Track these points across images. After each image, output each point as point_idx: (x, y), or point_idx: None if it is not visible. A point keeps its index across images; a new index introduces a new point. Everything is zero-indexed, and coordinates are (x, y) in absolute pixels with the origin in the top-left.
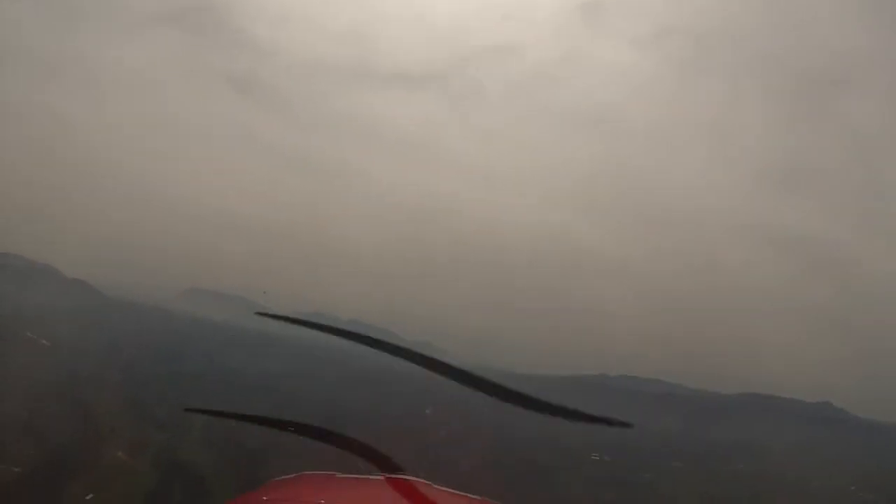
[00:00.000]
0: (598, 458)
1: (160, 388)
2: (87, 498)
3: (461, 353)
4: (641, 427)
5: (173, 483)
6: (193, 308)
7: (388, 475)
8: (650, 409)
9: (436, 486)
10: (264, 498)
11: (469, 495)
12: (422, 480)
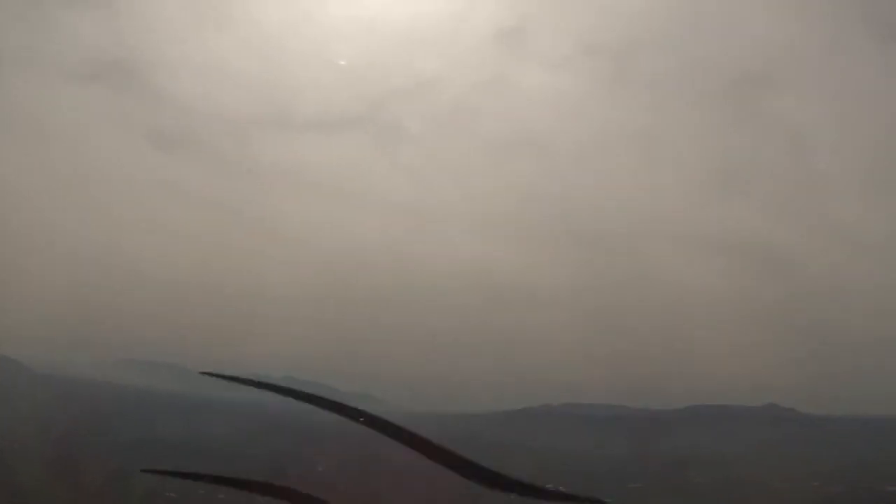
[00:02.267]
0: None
1: (93, 459)
2: None
3: (403, 400)
4: (592, 453)
5: None
6: (128, 377)
7: None
8: (598, 433)
9: None
10: None
11: None
12: None
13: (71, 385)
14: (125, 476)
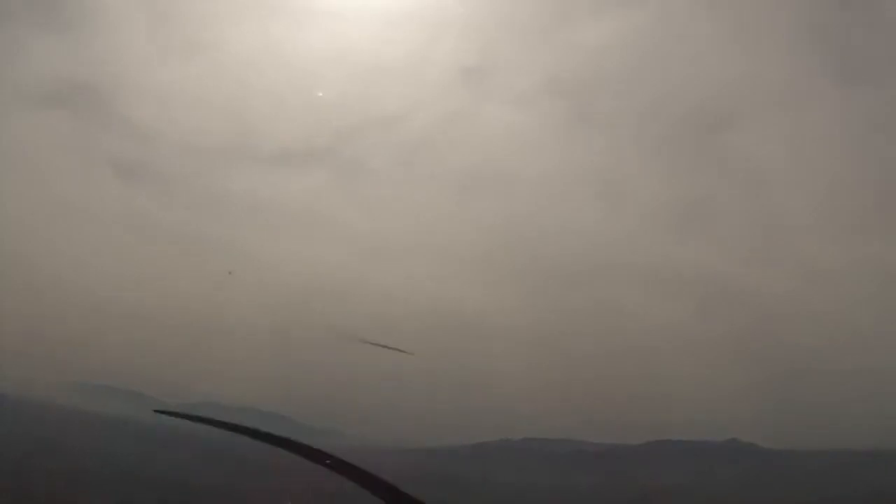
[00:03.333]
0: None
1: (44, 482)
2: None
3: (363, 434)
4: (553, 488)
5: None
6: (83, 403)
7: None
8: (559, 469)
9: None
10: None
11: None
12: None
13: (26, 407)
14: (74, 501)
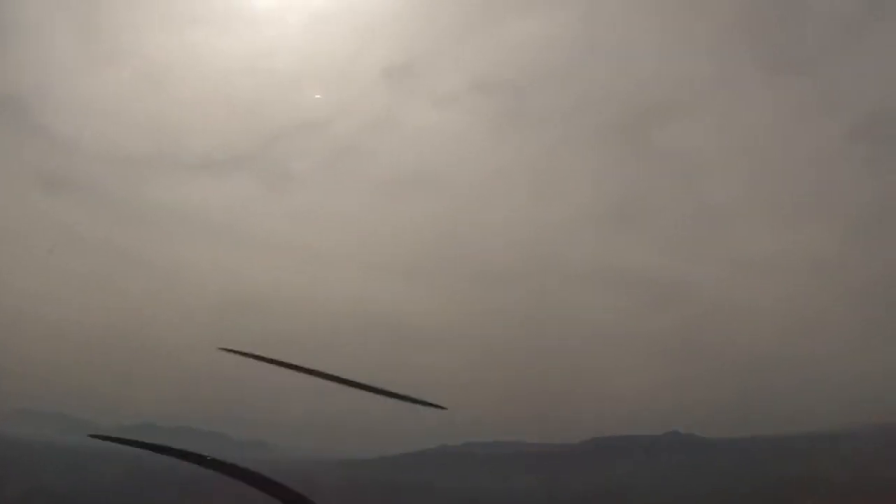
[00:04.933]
0: None
1: None
2: None
3: (299, 446)
4: (496, 492)
5: None
6: (13, 427)
7: None
8: (501, 472)
9: None
10: None
11: None
12: None
13: None
14: None
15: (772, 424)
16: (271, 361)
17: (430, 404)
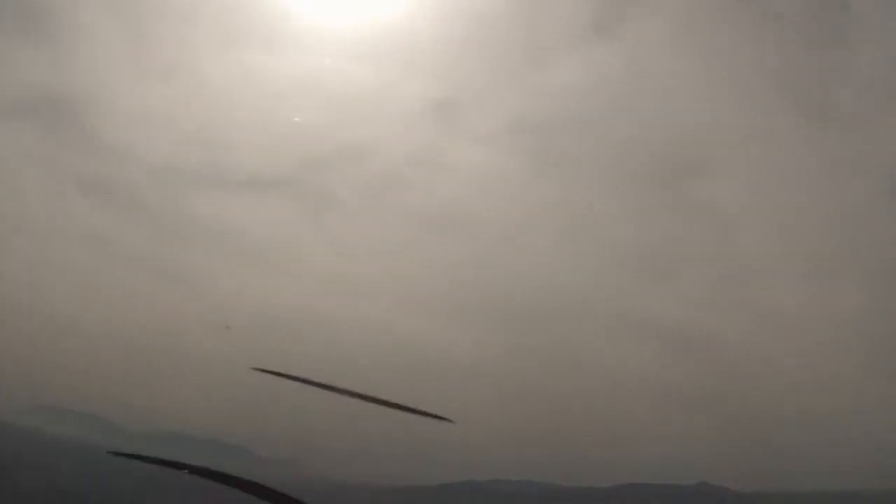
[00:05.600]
0: None
1: None
2: None
3: (328, 469)
4: None
5: None
6: (41, 425)
7: None
8: None
9: None
10: None
11: None
12: None
13: None
14: None
15: (795, 480)
16: (303, 381)
17: (438, 417)
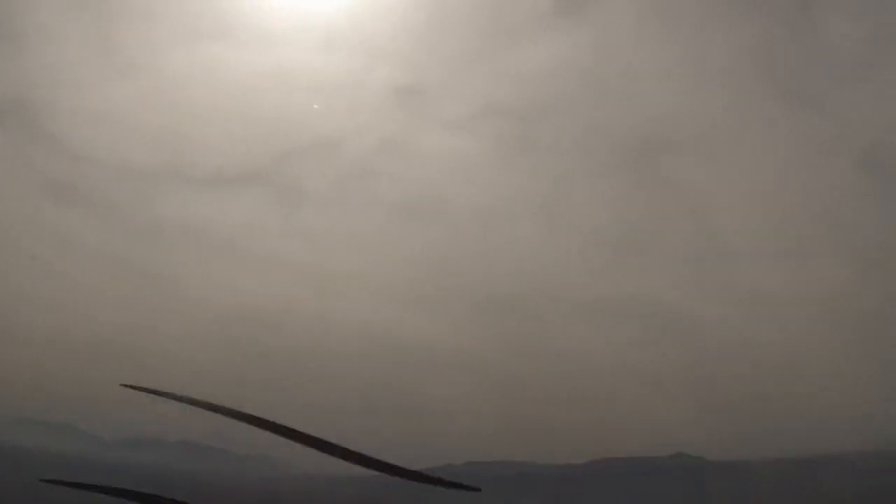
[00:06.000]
0: None
1: None
2: None
3: (302, 463)
4: None
5: None
6: (17, 437)
7: None
8: (504, 492)
9: None
10: None
11: None
12: None
13: None
14: None
15: (778, 451)
16: (177, 398)
17: (467, 487)
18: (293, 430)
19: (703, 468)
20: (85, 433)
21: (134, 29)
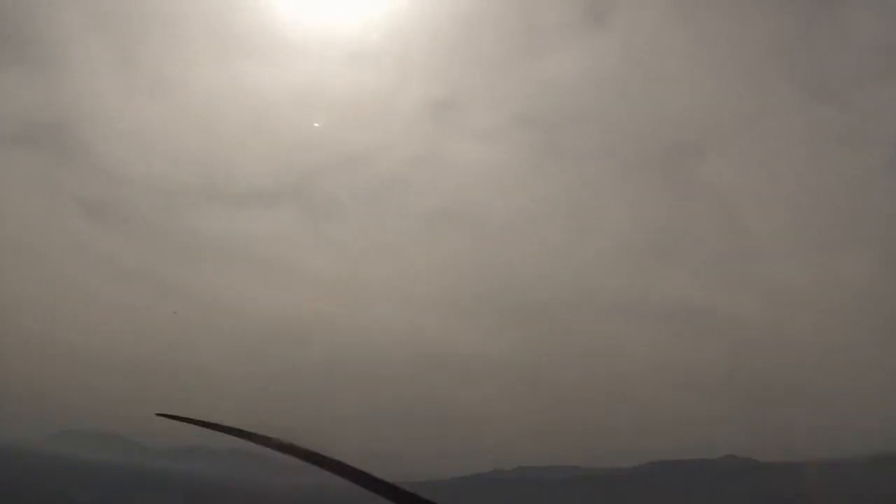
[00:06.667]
0: None
1: None
2: None
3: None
4: None
5: None
6: (63, 450)
7: None
8: (555, 495)
9: None
10: None
11: None
12: None
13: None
14: None
15: (822, 450)
16: (215, 427)
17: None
18: (322, 456)
19: (755, 469)
20: (131, 442)
21: (162, 48)
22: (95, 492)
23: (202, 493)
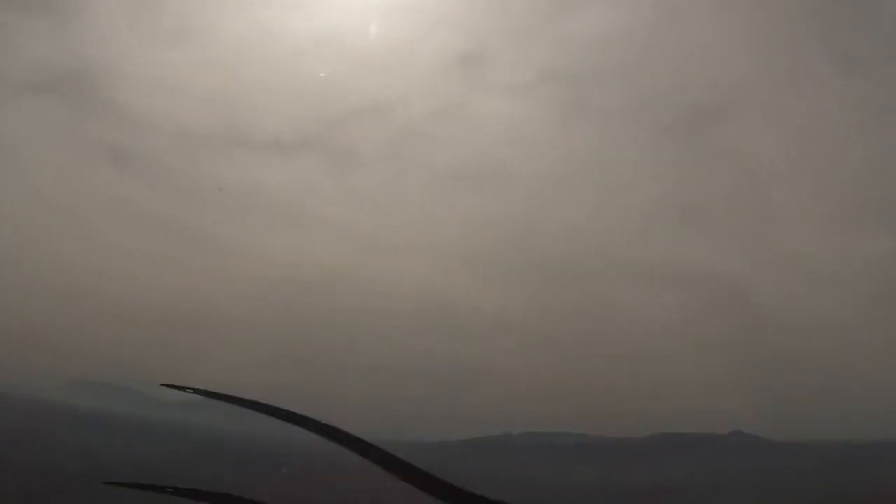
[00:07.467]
0: None
1: (22, 483)
2: None
3: (359, 428)
4: (557, 483)
5: None
6: (77, 400)
7: None
8: (563, 462)
9: None
10: None
11: None
12: None
13: (13, 404)
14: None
15: (834, 430)
16: (216, 396)
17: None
18: (333, 428)
19: (759, 448)
20: (140, 393)
21: None
22: (111, 440)
23: (206, 446)
